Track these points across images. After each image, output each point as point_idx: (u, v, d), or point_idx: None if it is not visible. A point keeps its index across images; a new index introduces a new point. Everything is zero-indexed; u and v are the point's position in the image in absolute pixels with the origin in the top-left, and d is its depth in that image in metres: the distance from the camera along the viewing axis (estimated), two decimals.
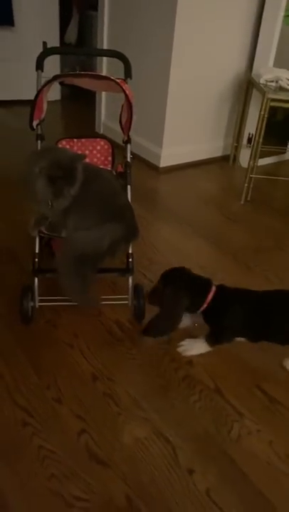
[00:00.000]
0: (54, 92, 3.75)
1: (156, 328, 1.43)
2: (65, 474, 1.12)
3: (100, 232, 1.42)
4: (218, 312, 1.42)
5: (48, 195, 1.37)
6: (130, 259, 1.56)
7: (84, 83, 1.54)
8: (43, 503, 1.06)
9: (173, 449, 1.21)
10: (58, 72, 3.50)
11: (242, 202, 2.54)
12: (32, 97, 1.45)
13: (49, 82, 1.42)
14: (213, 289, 1.42)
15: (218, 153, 3.07)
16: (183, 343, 1.51)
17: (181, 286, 1.40)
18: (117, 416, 1.28)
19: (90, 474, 1.13)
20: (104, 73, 2.85)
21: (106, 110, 3.16)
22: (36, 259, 1.49)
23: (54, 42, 3.53)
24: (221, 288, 1.45)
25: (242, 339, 1.46)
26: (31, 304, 1.50)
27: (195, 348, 1.50)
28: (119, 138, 1.82)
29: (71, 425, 1.24)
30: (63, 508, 1.06)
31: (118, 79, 1.46)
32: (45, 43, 1.63)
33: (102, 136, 1.86)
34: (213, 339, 1.47)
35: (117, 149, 1.80)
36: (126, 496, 1.09)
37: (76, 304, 1.50)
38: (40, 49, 1.60)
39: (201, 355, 1.51)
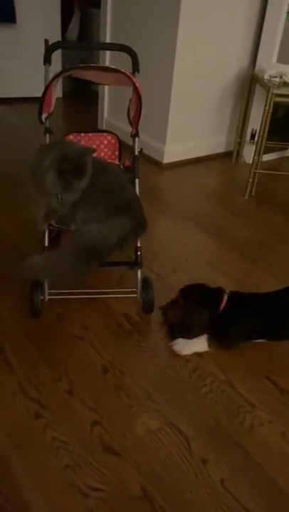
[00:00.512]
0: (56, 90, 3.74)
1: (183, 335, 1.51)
2: (79, 465, 1.13)
3: (109, 226, 1.42)
4: (226, 319, 1.47)
5: (57, 188, 1.37)
6: (139, 253, 1.57)
7: (92, 76, 1.54)
8: (58, 493, 1.07)
9: (186, 440, 1.21)
10: (59, 68, 3.50)
11: (246, 197, 2.54)
12: (33, 95, 1.46)
13: (58, 75, 1.42)
14: (225, 297, 1.49)
15: (221, 150, 3.08)
16: (176, 341, 1.49)
17: (201, 300, 1.50)
18: (128, 408, 1.28)
19: (104, 465, 1.13)
20: None
21: (109, 107, 3.16)
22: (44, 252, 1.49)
23: (56, 39, 3.44)
24: (231, 295, 1.50)
25: (259, 340, 1.50)
26: (41, 297, 1.50)
27: (192, 346, 1.48)
28: (122, 134, 1.83)
29: (83, 417, 1.24)
30: (79, 498, 1.06)
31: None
32: (46, 41, 1.63)
33: (109, 131, 1.85)
34: (217, 343, 1.49)
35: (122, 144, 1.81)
36: (140, 485, 1.10)
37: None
38: (42, 46, 1.60)
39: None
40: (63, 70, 1.46)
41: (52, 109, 1.57)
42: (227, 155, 3.09)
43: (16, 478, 1.09)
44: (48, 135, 1.57)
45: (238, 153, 3.00)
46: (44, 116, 1.51)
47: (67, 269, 1.37)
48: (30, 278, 1.51)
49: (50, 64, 1.58)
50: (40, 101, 1.46)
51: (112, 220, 1.42)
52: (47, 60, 1.57)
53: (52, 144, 1.52)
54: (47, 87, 1.45)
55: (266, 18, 2.65)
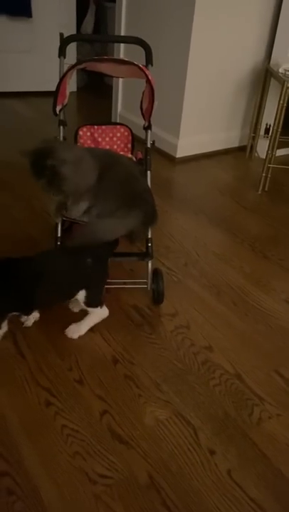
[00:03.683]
0: (70, 83, 3.76)
1: None
2: (88, 452, 1.14)
3: (121, 222, 1.43)
4: None
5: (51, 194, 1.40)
6: (149, 244, 1.57)
7: (106, 69, 1.55)
8: (68, 480, 1.09)
9: (194, 431, 1.22)
10: (73, 61, 3.51)
11: (259, 192, 2.53)
12: (48, 89, 1.48)
13: (73, 67, 1.43)
14: None
15: (235, 144, 3.06)
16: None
17: None
18: (138, 398, 1.30)
19: (112, 453, 1.15)
20: None
21: (122, 100, 3.16)
22: (59, 243, 1.51)
23: (70, 33, 3.50)
24: None
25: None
26: None
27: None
28: (135, 128, 1.83)
29: (93, 405, 1.26)
30: (87, 485, 1.08)
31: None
32: (61, 34, 1.64)
33: (122, 123, 1.86)
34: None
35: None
36: (148, 473, 1.11)
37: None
38: (57, 41, 1.61)
39: (220, 341, 1.52)
40: (78, 62, 1.47)
41: (66, 101, 1.58)
42: (240, 149, 3.07)
43: (27, 464, 1.11)
44: (62, 127, 1.59)
45: (252, 148, 2.98)
46: (58, 108, 1.52)
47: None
48: None
49: (64, 57, 1.60)
50: (54, 93, 1.47)
51: (124, 213, 1.43)
52: (62, 53, 1.59)
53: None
54: (61, 79, 1.46)
55: (282, 12, 2.62)
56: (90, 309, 1.45)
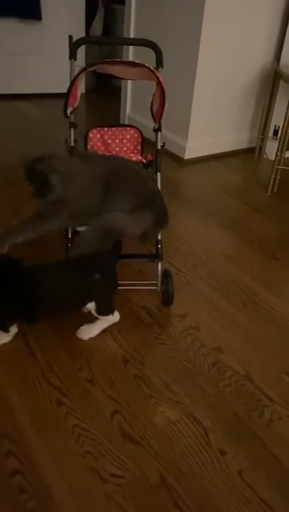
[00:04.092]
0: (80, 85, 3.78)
1: None
2: (99, 452, 1.15)
3: (135, 221, 1.43)
4: None
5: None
6: (159, 246, 1.58)
7: (117, 71, 1.56)
8: (79, 478, 1.09)
9: (204, 431, 1.22)
10: (83, 64, 3.53)
11: (268, 193, 2.53)
12: (58, 90, 1.49)
13: (84, 69, 1.44)
14: None
15: (243, 146, 3.06)
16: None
17: None
18: (148, 398, 1.30)
19: (123, 452, 1.16)
20: None
21: (131, 103, 3.17)
22: (69, 245, 1.52)
23: (80, 36, 3.52)
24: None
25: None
26: None
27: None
28: (144, 129, 1.84)
29: (104, 405, 1.27)
30: (99, 484, 1.09)
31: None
32: (70, 37, 1.65)
33: (132, 125, 1.87)
34: None
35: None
36: (159, 473, 1.12)
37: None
38: (66, 43, 1.62)
39: (230, 342, 1.52)
40: (89, 65, 1.48)
41: (77, 103, 1.59)
42: (249, 151, 3.07)
43: (38, 463, 1.12)
44: (72, 129, 1.60)
45: (261, 150, 2.98)
46: (69, 110, 1.54)
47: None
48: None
49: (75, 59, 1.61)
50: (66, 95, 1.49)
51: (136, 214, 1.44)
52: (72, 56, 1.60)
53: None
54: (72, 82, 1.48)
55: None
56: (101, 317, 1.46)
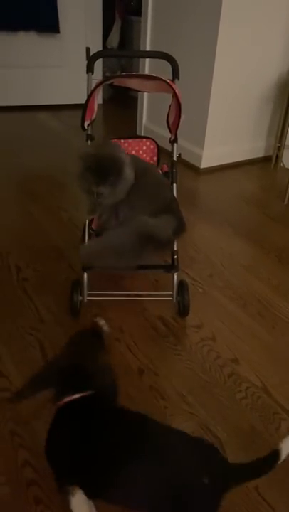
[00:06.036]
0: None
1: None
2: None
3: (162, 222, 1.44)
4: None
5: (90, 185, 1.42)
6: (175, 256, 1.58)
7: (134, 84, 1.58)
8: None
9: (220, 444, 1.21)
10: (100, 75, 3.58)
11: (285, 202, 2.51)
12: (75, 101, 1.51)
13: (101, 83, 1.46)
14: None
15: (260, 154, 3.05)
16: None
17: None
18: (163, 409, 1.30)
19: None
20: None
21: (148, 113, 3.20)
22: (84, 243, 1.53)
23: (97, 47, 3.61)
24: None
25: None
26: (80, 298, 1.55)
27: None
28: (160, 140, 1.85)
29: None
30: None
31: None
32: (88, 49, 1.67)
33: (148, 137, 1.89)
34: None
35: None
36: None
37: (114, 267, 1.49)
38: (84, 55, 1.64)
39: (247, 353, 1.51)
40: (106, 78, 1.50)
41: (94, 116, 1.61)
42: (266, 160, 3.06)
43: None
44: (89, 142, 1.62)
45: (278, 158, 2.97)
46: (87, 123, 1.56)
47: (126, 251, 1.39)
48: (84, 265, 1.53)
49: (92, 72, 1.63)
50: (83, 108, 1.51)
51: (160, 218, 1.44)
52: (89, 69, 1.62)
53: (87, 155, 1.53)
54: (90, 95, 1.50)
55: None
56: None
